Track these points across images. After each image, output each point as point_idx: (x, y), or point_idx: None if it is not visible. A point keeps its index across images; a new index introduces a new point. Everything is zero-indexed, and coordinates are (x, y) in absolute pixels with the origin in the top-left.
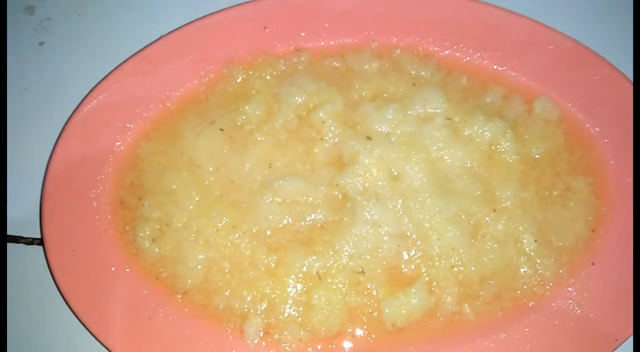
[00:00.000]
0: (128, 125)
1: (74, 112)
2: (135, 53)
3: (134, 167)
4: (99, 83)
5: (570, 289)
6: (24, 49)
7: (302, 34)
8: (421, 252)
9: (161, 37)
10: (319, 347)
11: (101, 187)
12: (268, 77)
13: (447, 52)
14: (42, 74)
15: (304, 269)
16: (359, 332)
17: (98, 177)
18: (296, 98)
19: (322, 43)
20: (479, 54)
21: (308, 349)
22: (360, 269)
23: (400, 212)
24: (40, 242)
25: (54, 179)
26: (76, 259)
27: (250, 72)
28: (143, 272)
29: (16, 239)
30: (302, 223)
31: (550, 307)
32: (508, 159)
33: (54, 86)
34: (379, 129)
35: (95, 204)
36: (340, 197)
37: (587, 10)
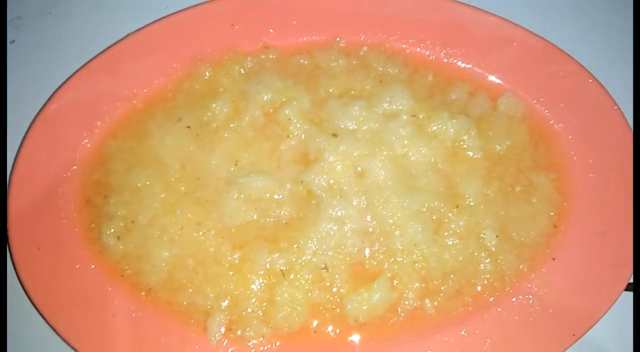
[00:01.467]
0: (94, 123)
1: (40, 110)
2: (103, 51)
3: (101, 165)
4: (66, 81)
5: (530, 284)
6: None
7: (270, 31)
8: (384, 248)
9: (128, 35)
10: (277, 343)
11: (67, 185)
12: (236, 75)
13: (414, 49)
14: (12, 72)
15: (268, 265)
16: (322, 328)
17: (64, 175)
18: (263, 95)
19: (290, 40)
20: (445, 51)
21: (271, 345)
22: (324, 266)
23: (364, 208)
24: (6, 239)
25: (20, 177)
26: (41, 256)
27: (218, 70)
28: (108, 270)
29: None
30: (267, 220)
31: (511, 302)
32: (472, 155)
33: (25, 84)
34: (345, 126)
35: (61, 202)
36: (305, 194)
37: (552, 6)
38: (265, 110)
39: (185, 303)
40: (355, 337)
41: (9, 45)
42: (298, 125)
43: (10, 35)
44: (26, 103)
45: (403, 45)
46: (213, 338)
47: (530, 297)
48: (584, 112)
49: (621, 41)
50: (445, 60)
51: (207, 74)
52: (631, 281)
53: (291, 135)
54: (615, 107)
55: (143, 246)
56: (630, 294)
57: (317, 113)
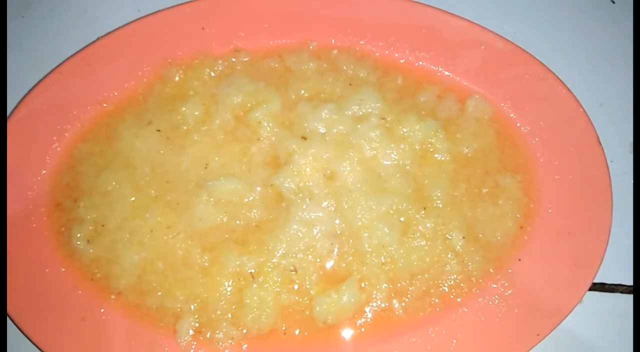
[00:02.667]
0: (65, 126)
1: (11, 113)
2: (73, 54)
3: (71, 169)
4: (36, 85)
5: (496, 285)
6: None
7: (241, 35)
8: (353, 250)
9: (98, 38)
10: (245, 346)
11: (37, 189)
12: (206, 78)
13: (384, 52)
14: None
15: (237, 268)
16: (291, 330)
17: (34, 179)
18: (234, 98)
19: (261, 43)
20: (414, 54)
21: (240, 347)
22: (293, 268)
23: (333, 211)
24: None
25: None
26: (10, 260)
27: (189, 73)
28: (78, 273)
29: None
30: (237, 222)
31: (477, 303)
32: (440, 157)
33: None
34: (315, 129)
35: (30, 206)
36: (275, 196)
37: (519, 10)
38: (236, 113)
39: (154, 306)
40: (325, 339)
41: None
42: (268, 128)
43: None
44: None
45: (373, 48)
46: (182, 341)
47: (496, 297)
48: (550, 115)
49: (588, 43)
50: (415, 63)
51: (178, 77)
52: (597, 281)
53: (261, 138)
54: (581, 109)
55: (113, 249)
56: (596, 294)
57: (287, 116)
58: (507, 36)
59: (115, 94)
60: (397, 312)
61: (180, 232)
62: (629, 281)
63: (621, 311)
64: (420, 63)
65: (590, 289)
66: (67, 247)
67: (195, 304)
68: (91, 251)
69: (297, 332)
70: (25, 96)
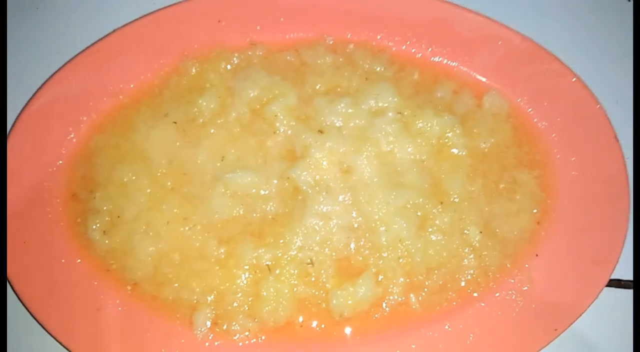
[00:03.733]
0: (81, 118)
1: (26, 104)
2: (89, 46)
3: (87, 160)
4: (52, 76)
5: (513, 280)
6: None
7: (257, 28)
8: (369, 244)
9: (115, 30)
10: (263, 338)
11: (53, 180)
12: (222, 71)
13: (400, 47)
14: None
15: (254, 260)
16: (307, 322)
17: (50, 170)
18: (250, 92)
19: (277, 37)
20: (430, 49)
21: (256, 339)
22: (310, 261)
23: (350, 204)
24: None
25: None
26: (27, 250)
27: (205, 66)
28: (94, 264)
29: None
30: (254, 215)
31: (494, 297)
32: (457, 152)
33: (10, 79)
34: (331, 123)
35: (47, 196)
36: (291, 189)
37: (537, 6)
38: (252, 106)
39: (171, 298)
40: (341, 332)
41: None
42: (284, 122)
43: None
44: (12, 98)
45: (389, 43)
46: (199, 332)
47: (513, 292)
48: (567, 111)
49: (604, 40)
50: (431, 58)
51: (194, 70)
52: (613, 277)
53: (278, 132)
54: (598, 105)
55: (129, 240)
56: (612, 290)
57: (303, 110)
58: (523, 32)
59: (131, 86)
60: (413, 307)
61: (197, 224)
62: None
63: (603, 306)
64: (437, 58)
65: (606, 285)
66: (83, 238)
67: (212, 296)
68: (107, 242)
69: (313, 324)
70: (41, 87)
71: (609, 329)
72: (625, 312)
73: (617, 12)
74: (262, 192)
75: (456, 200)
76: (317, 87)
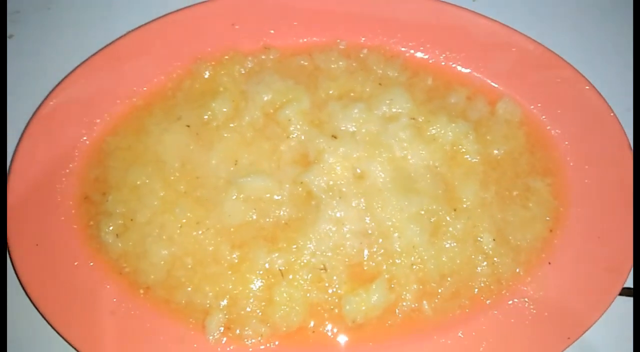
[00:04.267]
0: (94, 120)
1: (39, 106)
2: (102, 48)
3: (99, 163)
4: (65, 78)
5: (526, 288)
6: None
7: (271, 32)
8: (382, 250)
9: (129, 32)
10: (276, 343)
11: (66, 182)
12: (236, 74)
13: (414, 52)
14: (10, 67)
15: (267, 265)
16: (320, 328)
17: (63, 172)
18: (263, 96)
19: (291, 41)
20: (444, 55)
21: (269, 345)
22: (323, 266)
23: (363, 210)
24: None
25: (18, 173)
26: (39, 253)
27: (218, 69)
28: (106, 267)
29: None
30: (267, 220)
31: (507, 305)
32: (470, 159)
33: (22, 80)
34: (345, 128)
35: (59, 199)
36: (304, 194)
37: (550, 12)
38: (265, 110)
39: (183, 302)
40: (353, 338)
41: (7, 40)
42: (298, 126)
43: (9, 29)
44: (24, 99)
45: (403, 49)
46: (212, 337)
47: (526, 300)
48: (580, 119)
49: (619, 48)
50: (445, 64)
51: (208, 73)
52: (626, 286)
53: (291, 136)
54: (612, 114)
55: (142, 243)
56: (625, 298)
57: (316, 114)
58: (537, 39)
59: (144, 88)
60: (426, 313)
61: (210, 228)
62: None
63: (616, 314)
64: (451, 64)
65: (619, 294)
66: (95, 241)
67: (225, 301)
68: (120, 245)
69: (325, 330)
70: (54, 89)
71: (621, 338)
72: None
73: (630, 19)
74: (275, 196)
75: (469, 207)
76: (331, 92)
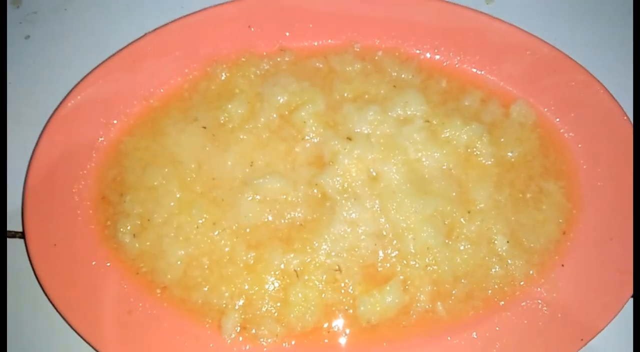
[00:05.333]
0: (111, 121)
1: (58, 107)
2: (120, 49)
3: (117, 163)
4: (83, 79)
5: (539, 289)
6: (10, 42)
7: (287, 34)
8: (397, 252)
9: (146, 34)
10: (292, 342)
11: (83, 183)
12: (252, 76)
13: (428, 55)
14: (27, 67)
15: (282, 266)
16: (334, 328)
17: (80, 173)
18: (279, 97)
19: (306, 43)
20: (458, 58)
21: (284, 344)
22: (337, 267)
23: (378, 211)
24: (22, 235)
25: (37, 174)
26: (57, 253)
27: (234, 71)
28: (123, 267)
29: None
30: (282, 221)
31: (520, 306)
32: (484, 161)
33: (39, 80)
34: (360, 130)
35: (77, 199)
36: (319, 196)
37: (565, 15)
38: (281, 112)
39: (200, 301)
40: (367, 339)
41: (23, 41)
42: (313, 128)
43: (26, 30)
44: (41, 100)
45: (417, 51)
46: (228, 336)
47: (540, 301)
48: (594, 122)
49: (631, 52)
50: (459, 66)
51: (224, 75)
52: None
53: (306, 138)
54: (625, 117)
55: (158, 244)
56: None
57: (331, 116)
58: (551, 42)
59: (161, 90)
60: (440, 314)
61: (226, 229)
62: None
63: (629, 317)
64: (465, 66)
65: (632, 296)
66: (112, 241)
67: (241, 301)
68: (137, 245)
69: (340, 330)
70: (72, 90)
71: (632, 340)
72: None
73: None
74: (291, 198)
75: (483, 209)
76: (345, 94)
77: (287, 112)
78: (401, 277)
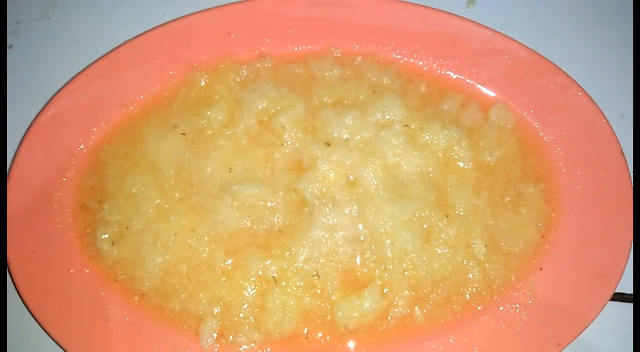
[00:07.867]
0: (91, 128)
1: (37, 115)
2: (100, 57)
3: (96, 171)
4: (63, 86)
5: (517, 293)
6: None
7: (266, 40)
8: (375, 256)
9: (126, 41)
10: (268, 349)
11: (63, 190)
12: (231, 83)
13: (407, 59)
14: (10, 76)
15: (260, 272)
16: (312, 334)
17: (60, 180)
18: (258, 104)
19: (286, 49)
20: (437, 62)
21: (262, 351)
22: (315, 273)
23: (356, 216)
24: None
25: (16, 181)
26: (36, 260)
27: (214, 77)
28: (102, 274)
29: None
30: (260, 227)
31: (498, 311)
32: (463, 165)
33: (22, 89)
34: (338, 135)
35: (56, 207)
36: (298, 201)
37: (543, 19)
38: (260, 118)
39: (178, 308)
40: (346, 344)
41: (6, 50)
42: (292, 134)
43: (9, 39)
44: (23, 107)
45: (397, 56)
46: (205, 343)
47: (518, 306)
48: (573, 125)
49: (611, 55)
50: (438, 71)
51: (203, 82)
52: (617, 291)
53: (285, 144)
54: (604, 120)
55: (137, 251)
56: (616, 304)
57: (311, 122)
58: (529, 45)
59: (141, 97)
60: (418, 319)
61: (204, 235)
62: None
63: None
64: (444, 71)
65: (610, 299)
66: (91, 249)
67: (218, 307)
68: (115, 252)
69: (318, 336)
70: (52, 98)
71: (612, 344)
72: (627, 326)
73: (623, 26)
74: (269, 203)
75: (462, 213)
76: (325, 99)
77: (266, 118)
78: (379, 282)
